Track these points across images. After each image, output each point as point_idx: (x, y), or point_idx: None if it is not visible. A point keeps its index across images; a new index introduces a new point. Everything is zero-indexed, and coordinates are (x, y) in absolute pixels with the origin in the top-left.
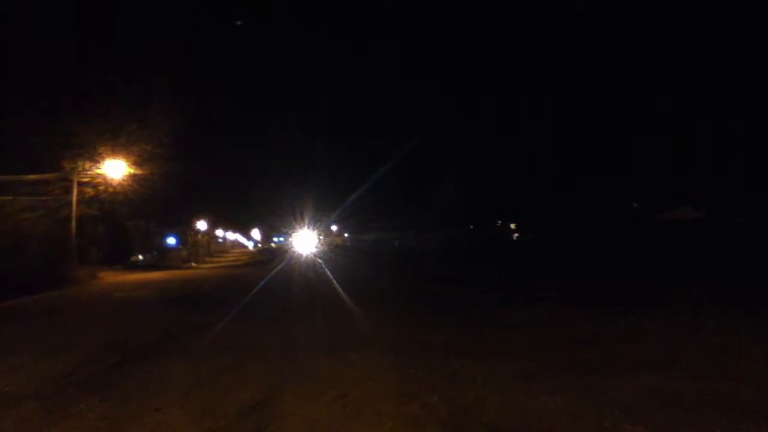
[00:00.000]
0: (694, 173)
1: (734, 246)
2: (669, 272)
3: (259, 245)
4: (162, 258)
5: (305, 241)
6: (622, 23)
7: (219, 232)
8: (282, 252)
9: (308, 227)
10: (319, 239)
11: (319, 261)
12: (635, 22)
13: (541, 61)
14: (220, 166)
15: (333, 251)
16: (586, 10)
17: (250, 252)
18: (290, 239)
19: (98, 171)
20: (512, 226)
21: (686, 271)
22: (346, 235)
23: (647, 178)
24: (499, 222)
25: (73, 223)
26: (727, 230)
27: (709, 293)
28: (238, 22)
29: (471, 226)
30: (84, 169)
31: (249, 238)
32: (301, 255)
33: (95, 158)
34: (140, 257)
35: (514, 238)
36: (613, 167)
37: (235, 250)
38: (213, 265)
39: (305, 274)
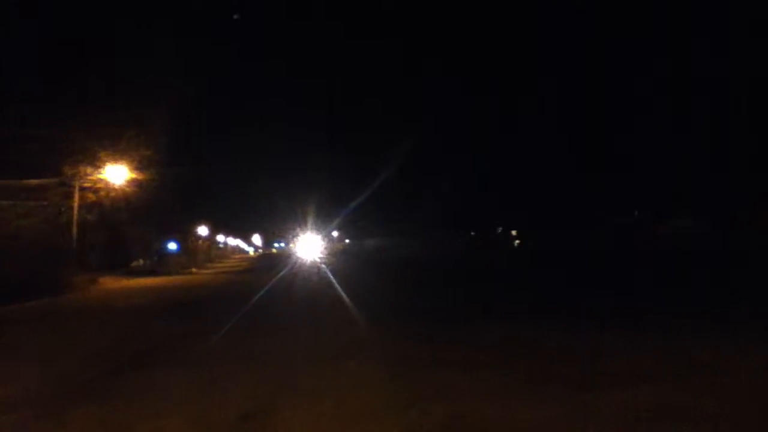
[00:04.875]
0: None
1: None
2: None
3: (260, 251)
4: (162, 264)
5: (309, 247)
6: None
7: (219, 238)
8: (284, 258)
9: (311, 232)
10: (322, 245)
11: (323, 267)
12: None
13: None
14: (220, 171)
15: (337, 258)
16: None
17: (250, 258)
18: (291, 245)
19: (99, 176)
20: (513, 232)
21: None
22: (347, 241)
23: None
24: (500, 229)
25: (74, 229)
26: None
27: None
28: (236, 16)
29: (472, 233)
30: (85, 174)
31: (249, 243)
32: (305, 261)
33: (96, 164)
34: (140, 262)
35: (515, 245)
36: (614, 173)
37: (236, 256)
38: (213, 270)
39: (308, 281)
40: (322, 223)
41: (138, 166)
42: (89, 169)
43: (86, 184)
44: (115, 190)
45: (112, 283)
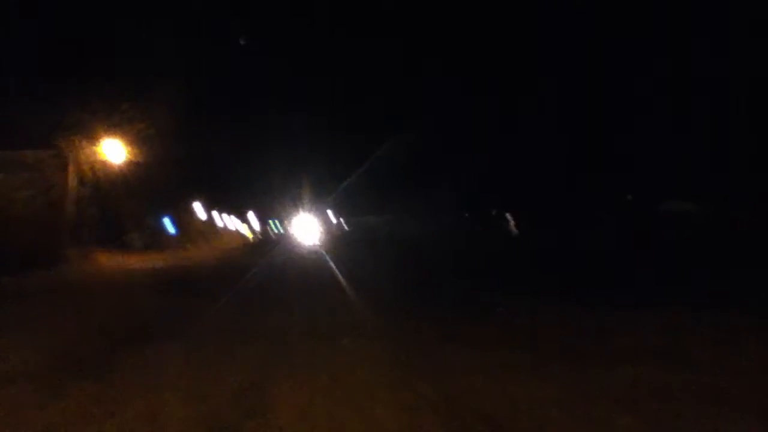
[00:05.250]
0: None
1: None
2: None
3: (254, 228)
4: (156, 239)
5: (306, 228)
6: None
7: (214, 214)
8: (278, 237)
9: (307, 211)
10: (321, 228)
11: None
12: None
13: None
14: (216, 147)
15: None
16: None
17: (245, 235)
18: (286, 224)
19: (93, 150)
20: (507, 215)
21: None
22: (340, 219)
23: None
24: (494, 211)
25: (67, 202)
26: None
27: None
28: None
29: (466, 215)
30: (79, 148)
31: (244, 220)
32: (301, 244)
33: (90, 137)
34: (134, 238)
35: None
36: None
37: (230, 233)
38: (208, 247)
39: (302, 260)
40: (316, 201)
41: (133, 141)
42: (84, 143)
43: (80, 158)
44: (109, 164)
45: (105, 257)
